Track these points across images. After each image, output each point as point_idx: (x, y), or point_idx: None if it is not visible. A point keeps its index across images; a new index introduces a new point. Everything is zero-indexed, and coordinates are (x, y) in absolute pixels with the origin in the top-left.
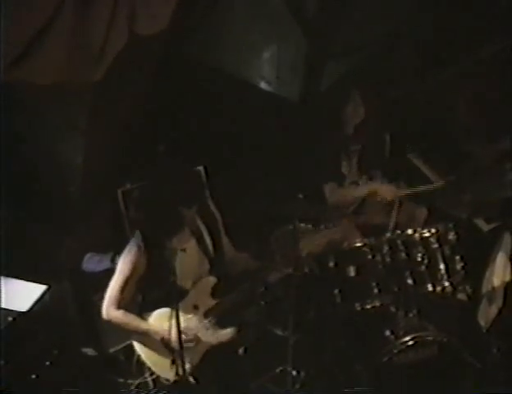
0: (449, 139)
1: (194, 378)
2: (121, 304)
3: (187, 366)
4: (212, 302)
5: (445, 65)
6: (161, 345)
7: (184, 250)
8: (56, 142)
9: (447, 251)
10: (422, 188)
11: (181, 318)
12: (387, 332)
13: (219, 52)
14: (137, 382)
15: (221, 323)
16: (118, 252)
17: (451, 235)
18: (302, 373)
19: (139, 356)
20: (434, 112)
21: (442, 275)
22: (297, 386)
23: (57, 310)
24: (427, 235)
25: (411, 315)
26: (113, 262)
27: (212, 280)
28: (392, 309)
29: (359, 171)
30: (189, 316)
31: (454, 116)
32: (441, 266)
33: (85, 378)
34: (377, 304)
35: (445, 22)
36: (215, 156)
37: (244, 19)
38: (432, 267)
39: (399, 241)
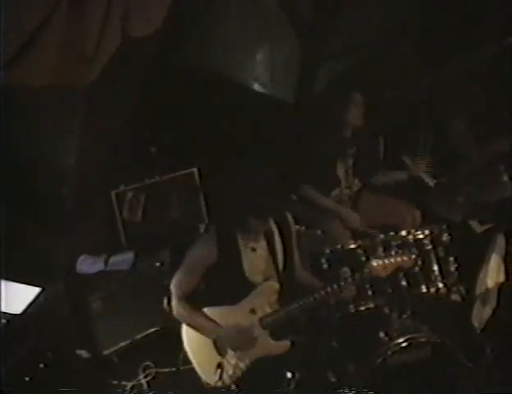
0: (443, 141)
1: (237, 386)
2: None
3: (231, 373)
4: (269, 309)
5: (440, 66)
6: (212, 346)
7: (254, 250)
8: (49, 143)
9: (441, 252)
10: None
11: (239, 319)
12: (381, 334)
13: (213, 53)
14: (131, 384)
15: (274, 334)
16: (112, 254)
17: (445, 237)
18: (296, 375)
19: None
20: (428, 114)
21: (436, 276)
22: (291, 387)
23: (51, 312)
24: (420, 236)
25: (405, 316)
26: (107, 264)
27: (275, 286)
28: (386, 310)
29: (354, 174)
30: (246, 318)
31: (448, 117)
32: (435, 267)
33: (80, 380)
34: (371, 305)
35: (442, 22)
36: (209, 157)
37: (237, 20)
38: (425, 268)
39: (393, 243)
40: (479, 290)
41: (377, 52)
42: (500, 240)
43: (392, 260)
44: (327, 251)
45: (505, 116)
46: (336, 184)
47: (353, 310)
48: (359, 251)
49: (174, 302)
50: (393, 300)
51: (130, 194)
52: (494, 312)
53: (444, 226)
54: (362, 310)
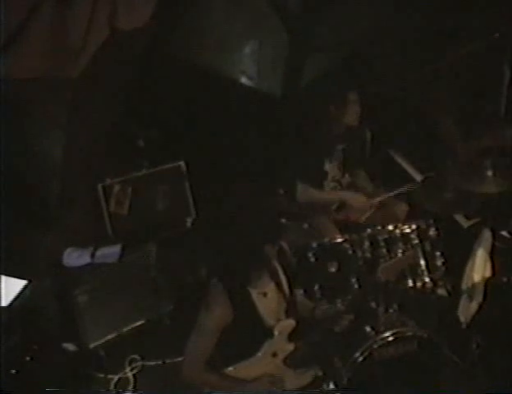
0: (429, 136)
1: None
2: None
3: None
4: (290, 347)
5: (427, 62)
6: None
7: (265, 294)
8: (36, 137)
9: (428, 247)
10: (391, 193)
11: (264, 367)
12: (367, 328)
13: (200, 47)
14: (117, 377)
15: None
16: (98, 246)
17: (432, 231)
18: None
19: None
20: (415, 109)
21: (423, 271)
22: None
23: (37, 305)
24: (407, 231)
25: (391, 311)
26: (93, 257)
27: (291, 323)
28: (372, 304)
29: (342, 169)
30: (269, 363)
31: (434, 112)
32: (422, 262)
33: (66, 374)
34: (358, 299)
35: (429, 19)
36: (196, 151)
37: (226, 14)
38: (412, 263)
39: (379, 237)
40: (465, 285)
41: (365, 48)
42: (487, 235)
43: (398, 260)
44: (314, 245)
45: (491, 111)
46: (324, 179)
47: (339, 304)
48: (346, 245)
49: (194, 370)
50: (379, 295)
51: (116, 187)
52: (480, 307)
53: (431, 221)
54: (348, 304)
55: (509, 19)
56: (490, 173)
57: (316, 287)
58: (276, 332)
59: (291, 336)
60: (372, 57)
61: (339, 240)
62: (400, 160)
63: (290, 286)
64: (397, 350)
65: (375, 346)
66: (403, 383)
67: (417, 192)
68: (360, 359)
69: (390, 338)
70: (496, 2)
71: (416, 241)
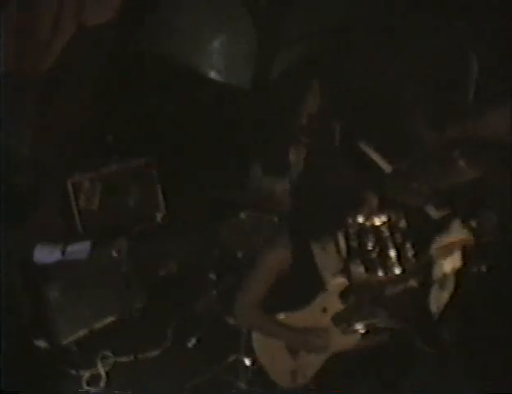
0: (399, 127)
1: (316, 386)
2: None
3: (305, 373)
4: (340, 305)
5: (396, 53)
6: (285, 350)
7: (324, 249)
8: (4, 131)
9: (398, 239)
10: None
11: (312, 321)
12: None
13: (168, 41)
14: (89, 373)
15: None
16: (69, 243)
17: (402, 223)
18: (256, 362)
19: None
20: (384, 100)
21: (393, 262)
22: (250, 375)
23: (7, 302)
24: (377, 223)
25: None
26: (64, 253)
27: (344, 282)
28: None
29: (308, 160)
30: (318, 318)
31: (404, 103)
32: (392, 253)
33: (37, 371)
34: None
35: (397, 9)
36: (166, 145)
37: (193, 8)
38: (383, 254)
39: (350, 230)
40: (436, 275)
41: (334, 40)
42: (457, 226)
43: None
44: None
45: (460, 101)
46: (288, 168)
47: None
48: None
49: (243, 309)
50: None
51: (86, 184)
52: (451, 297)
53: (401, 213)
54: None
55: (476, 8)
56: (461, 163)
57: None
58: (328, 288)
59: (342, 295)
60: (341, 49)
61: None
62: (369, 152)
63: (348, 249)
64: (369, 341)
65: None
66: (375, 375)
67: (387, 184)
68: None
69: (362, 330)
70: None
71: (387, 233)
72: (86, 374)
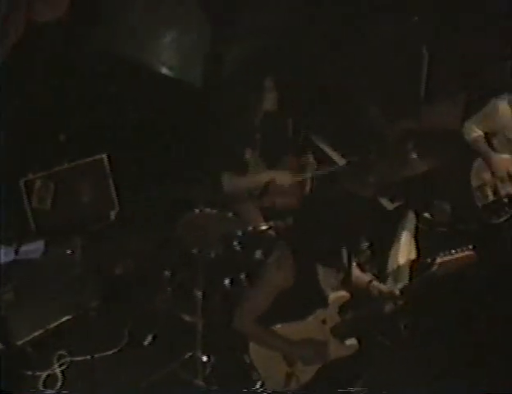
0: (352, 121)
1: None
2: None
3: (300, 379)
4: (338, 318)
5: (349, 46)
6: (281, 359)
7: (327, 266)
8: None
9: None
10: (318, 172)
11: (311, 332)
12: None
13: (118, 38)
14: (45, 374)
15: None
16: (22, 243)
17: None
18: (212, 358)
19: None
20: (337, 94)
21: None
22: (207, 371)
23: None
24: None
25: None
26: (17, 253)
27: (345, 295)
28: None
29: (263, 156)
30: (317, 329)
31: (357, 97)
32: None
33: None
34: None
35: (349, 4)
36: (118, 143)
37: (145, 4)
38: None
39: None
40: (391, 267)
41: (286, 36)
42: (411, 217)
43: None
44: (239, 233)
45: (414, 94)
46: (246, 167)
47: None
48: (271, 232)
49: (244, 322)
50: None
51: (38, 182)
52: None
53: None
54: None
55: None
56: (413, 155)
57: (242, 276)
58: (330, 302)
59: (342, 308)
60: (293, 45)
61: (264, 227)
62: (322, 146)
63: (349, 259)
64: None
65: None
66: (334, 367)
67: (341, 176)
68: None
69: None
70: None
71: None
72: (42, 375)
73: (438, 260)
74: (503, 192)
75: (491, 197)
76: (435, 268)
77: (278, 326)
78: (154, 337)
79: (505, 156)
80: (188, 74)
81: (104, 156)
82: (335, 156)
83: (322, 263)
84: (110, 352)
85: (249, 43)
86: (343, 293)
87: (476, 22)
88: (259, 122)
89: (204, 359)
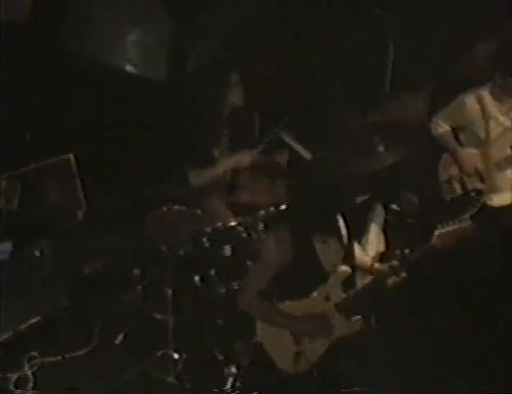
0: (318, 115)
1: (319, 372)
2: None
3: (309, 358)
4: (342, 294)
5: (314, 40)
6: (289, 336)
7: (324, 241)
8: None
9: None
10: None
11: (315, 308)
12: None
13: (82, 36)
14: (16, 375)
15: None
16: None
17: None
18: (183, 356)
19: None
20: (303, 88)
21: None
22: (179, 368)
23: None
24: None
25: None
26: None
27: (347, 271)
28: None
29: (231, 152)
30: (321, 306)
31: (323, 91)
32: None
33: None
34: None
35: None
36: (85, 142)
37: (108, 2)
38: None
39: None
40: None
41: (251, 31)
42: (379, 210)
43: None
44: (208, 230)
45: (379, 87)
46: (213, 163)
47: (236, 287)
48: (240, 228)
49: (247, 299)
50: None
51: (5, 183)
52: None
53: None
54: None
55: None
56: (381, 148)
57: (212, 272)
58: (331, 278)
59: (346, 284)
60: (257, 40)
61: (232, 223)
62: (290, 141)
63: (349, 237)
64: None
65: None
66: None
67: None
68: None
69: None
70: None
71: None
72: (13, 376)
73: (436, 232)
74: (470, 186)
75: (458, 191)
76: (434, 240)
77: (283, 304)
78: (125, 336)
79: (472, 151)
80: (153, 71)
81: (71, 156)
82: (301, 150)
83: (321, 238)
84: (81, 352)
85: (214, 38)
86: (345, 268)
87: (441, 14)
88: (226, 117)
89: (176, 356)
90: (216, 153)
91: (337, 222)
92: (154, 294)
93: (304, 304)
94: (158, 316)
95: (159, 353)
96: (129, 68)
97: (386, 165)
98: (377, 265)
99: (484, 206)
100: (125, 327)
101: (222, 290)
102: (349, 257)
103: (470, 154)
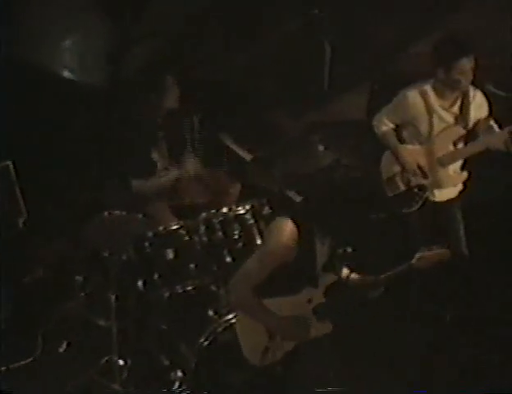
0: (257, 116)
1: (283, 369)
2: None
3: (276, 354)
4: (323, 299)
5: (253, 42)
6: (264, 331)
7: (323, 244)
8: None
9: (263, 226)
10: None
11: (296, 309)
12: (210, 312)
13: (19, 41)
14: None
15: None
16: None
17: (266, 210)
18: (128, 362)
19: None
20: (241, 90)
21: None
22: (124, 375)
23: None
24: (242, 211)
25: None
26: None
27: (333, 277)
28: (213, 288)
29: (170, 156)
30: (302, 307)
31: (261, 92)
32: (259, 241)
33: None
34: (198, 284)
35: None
36: (24, 149)
37: (43, 7)
38: (249, 243)
39: (215, 220)
40: None
41: (187, 34)
42: None
43: None
44: (150, 234)
45: (318, 87)
46: (154, 167)
47: (180, 291)
48: (182, 231)
49: (238, 288)
50: (219, 278)
51: None
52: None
53: (264, 200)
54: (189, 290)
55: None
56: (321, 148)
57: (155, 276)
58: (319, 281)
59: (328, 289)
60: (194, 43)
61: (174, 227)
62: (229, 142)
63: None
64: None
65: (219, 329)
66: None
67: (248, 171)
68: (205, 343)
69: (234, 320)
70: None
71: (251, 221)
72: None
73: (417, 255)
74: (413, 182)
75: (401, 187)
76: (414, 260)
77: (267, 300)
78: (69, 344)
79: (414, 147)
80: (90, 76)
81: (9, 163)
82: (241, 152)
83: (319, 238)
84: (25, 362)
85: (149, 42)
86: (331, 275)
87: (377, 12)
88: (162, 121)
89: (121, 363)
90: (155, 156)
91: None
92: (97, 300)
93: (286, 303)
94: (102, 322)
95: (104, 360)
96: (66, 74)
97: (325, 164)
98: (353, 276)
99: (427, 201)
100: (68, 334)
101: (166, 294)
102: (334, 265)
103: (412, 151)
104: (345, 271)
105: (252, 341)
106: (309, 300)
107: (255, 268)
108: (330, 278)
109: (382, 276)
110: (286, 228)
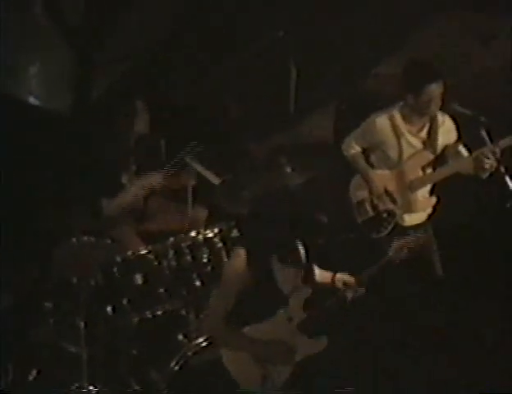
0: (224, 139)
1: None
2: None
3: (280, 380)
4: (303, 314)
5: (216, 65)
6: (252, 361)
7: (283, 262)
8: None
9: (231, 249)
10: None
11: (278, 331)
12: (180, 336)
13: None
14: None
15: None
16: None
17: (234, 233)
18: (99, 387)
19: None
20: (207, 113)
21: None
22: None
23: None
24: (210, 235)
25: (202, 316)
26: None
27: (308, 291)
28: (183, 312)
29: (139, 179)
30: (284, 328)
31: (228, 116)
32: None
33: None
34: (168, 309)
35: (214, 22)
36: None
37: (7, 34)
38: (218, 266)
39: (183, 245)
40: None
41: (154, 56)
42: None
43: None
44: (118, 259)
45: (283, 108)
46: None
47: (150, 316)
48: (151, 256)
49: (211, 324)
50: (189, 302)
51: None
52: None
53: (232, 223)
54: (159, 315)
55: (291, 16)
56: (288, 169)
57: (124, 301)
58: (291, 299)
59: (307, 304)
60: (160, 67)
61: (143, 251)
62: (196, 166)
63: (307, 256)
64: (212, 354)
65: (189, 354)
66: (222, 385)
67: (216, 195)
68: (176, 368)
69: (204, 343)
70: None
71: (220, 244)
72: None
73: (392, 246)
74: (382, 207)
75: (370, 213)
76: (390, 252)
77: (246, 328)
78: (39, 372)
79: (382, 172)
80: (57, 102)
81: None
82: (208, 175)
83: (280, 261)
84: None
85: (117, 67)
86: (305, 289)
87: (342, 33)
88: (132, 145)
89: (91, 389)
90: (124, 180)
91: (295, 242)
92: (67, 327)
93: (266, 327)
94: (72, 349)
95: (74, 386)
96: (32, 100)
97: (293, 184)
98: (339, 276)
99: (397, 226)
100: (38, 362)
101: (135, 319)
102: (308, 277)
103: (380, 175)
104: (328, 274)
105: (245, 373)
106: (290, 319)
107: (219, 300)
108: (305, 292)
109: (365, 273)
110: (238, 256)
